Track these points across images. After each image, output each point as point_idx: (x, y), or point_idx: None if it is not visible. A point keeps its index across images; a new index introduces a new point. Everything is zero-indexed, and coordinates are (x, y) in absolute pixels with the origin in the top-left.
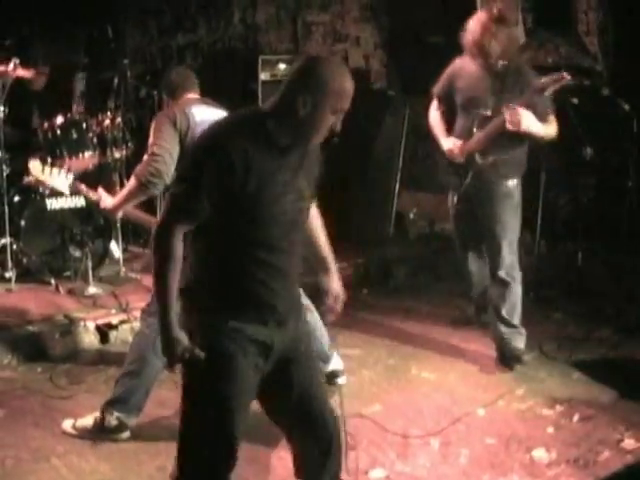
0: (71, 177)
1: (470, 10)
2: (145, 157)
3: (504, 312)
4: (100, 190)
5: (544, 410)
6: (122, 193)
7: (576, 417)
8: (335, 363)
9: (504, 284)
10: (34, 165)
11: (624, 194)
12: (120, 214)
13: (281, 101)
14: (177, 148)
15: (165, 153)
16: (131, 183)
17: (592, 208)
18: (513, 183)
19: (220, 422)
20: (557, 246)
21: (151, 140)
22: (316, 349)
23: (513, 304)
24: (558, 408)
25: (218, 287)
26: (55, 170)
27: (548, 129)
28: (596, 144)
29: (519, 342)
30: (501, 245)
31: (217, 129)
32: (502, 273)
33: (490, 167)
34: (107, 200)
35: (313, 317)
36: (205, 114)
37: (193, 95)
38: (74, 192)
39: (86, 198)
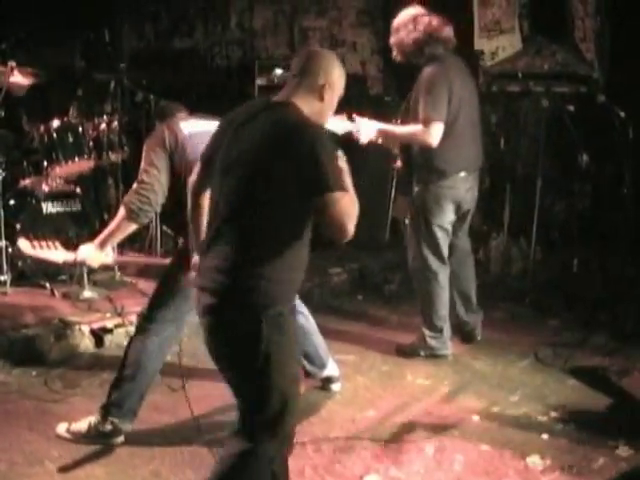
0: (58, 246)
1: (466, 16)
2: (134, 185)
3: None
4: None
5: (539, 417)
6: (110, 226)
7: (571, 424)
8: (330, 369)
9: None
10: (24, 244)
11: (620, 201)
12: (104, 257)
13: (308, 89)
14: (166, 172)
15: (155, 181)
16: (120, 213)
17: (588, 215)
18: (417, 189)
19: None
20: (553, 252)
21: (142, 165)
22: (312, 355)
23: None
24: (553, 414)
25: (289, 281)
26: (44, 243)
27: (408, 130)
28: (592, 151)
29: None
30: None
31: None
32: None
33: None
34: (86, 248)
35: (309, 323)
36: (195, 127)
37: (181, 114)
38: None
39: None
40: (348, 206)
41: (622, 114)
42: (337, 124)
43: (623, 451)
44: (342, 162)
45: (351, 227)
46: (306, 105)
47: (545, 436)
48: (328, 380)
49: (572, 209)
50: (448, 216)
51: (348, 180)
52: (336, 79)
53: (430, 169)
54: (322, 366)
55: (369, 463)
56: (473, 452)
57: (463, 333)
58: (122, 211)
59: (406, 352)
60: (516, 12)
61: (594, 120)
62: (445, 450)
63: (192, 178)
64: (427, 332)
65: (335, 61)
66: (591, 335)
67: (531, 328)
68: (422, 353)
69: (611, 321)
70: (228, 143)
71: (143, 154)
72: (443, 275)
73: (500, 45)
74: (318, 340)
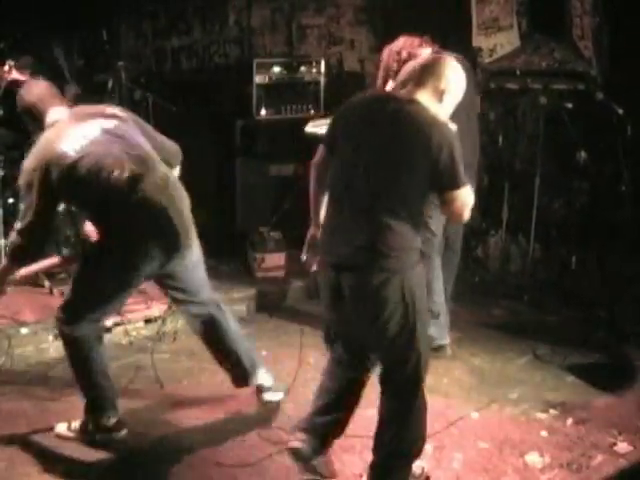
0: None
1: (464, 13)
2: None
3: None
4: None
5: (537, 414)
6: None
7: (570, 421)
8: (262, 378)
9: None
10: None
11: (618, 198)
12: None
13: (431, 91)
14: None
15: None
16: None
17: (586, 212)
18: None
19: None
20: (551, 250)
21: None
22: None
23: None
24: (552, 412)
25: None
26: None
27: None
28: (590, 148)
29: None
30: None
31: None
32: None
33: None
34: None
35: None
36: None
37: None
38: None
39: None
40: (467, 199)
41: (620, 111)
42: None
43: (622, 448)
44: None
45: (467, 215)
46: (427, 105)
47: (544, 433)
48: (260, 389)
49: (570, 207)
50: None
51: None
52: (455, 86)
53: None
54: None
55: (369, 461)
56: (472, 450)
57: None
58: None
59: None
60: (514, 9)
61: (592, 117)
62: (444, 448)
63: (315, 161)
64: None
65: (458, 69)
66: (590, 332)
67: (530, 325)
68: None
69: (609, 318)
70: (358, 132)
71: None
72: (437, 261)
73: (498, 42)
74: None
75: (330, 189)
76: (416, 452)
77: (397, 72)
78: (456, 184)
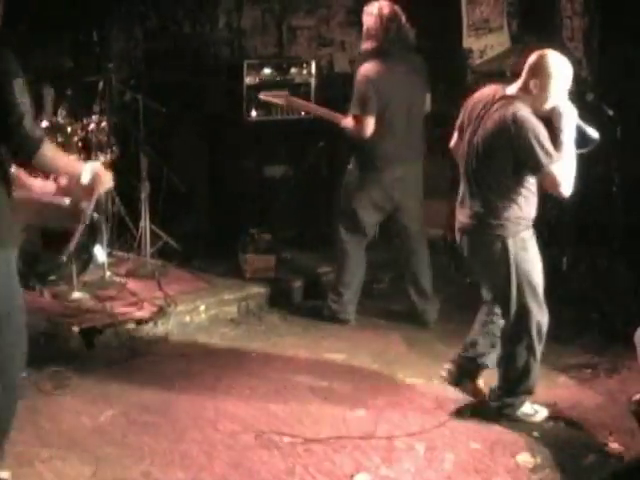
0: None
1: (455, 14)
2: None
3: None
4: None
5: None
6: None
7: (561, 421)
8: None
9: None
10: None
11: (609, 199)
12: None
13: (531, 85)
14: None
15: None
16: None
17: (577, 213)
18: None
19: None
20: (542, 251)
21: None
22: None
23: None
24: None
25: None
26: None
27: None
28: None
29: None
30: None
31: None
32: None
33: None
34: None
35: None
36: None
37: None
38: None
39: None
40: (559, 175)
41: (611, 112)
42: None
43: (613, 449)
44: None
45: (565, 189)
46: (529, 98)
47: (535, 434)
48: None
49: (561, 207)
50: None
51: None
52: (557, 76)
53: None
54: None
55: (360, 462)
56: (463, 450)
57: (417, 318)
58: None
59: (315, 312)
60: (504, 11)
61: (582, 118)
62: (436, 449)
63: (451, 144)
64: (331, 296)
65: (559, 60)
66: (580, 333)
67: None
68: (325, 312)
69: (600, 319)
70: (476, 123)
71: None
72: (354, 248)
73: (488, 43)
74: None
75: (460, 166)
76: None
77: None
78: (537, 167)
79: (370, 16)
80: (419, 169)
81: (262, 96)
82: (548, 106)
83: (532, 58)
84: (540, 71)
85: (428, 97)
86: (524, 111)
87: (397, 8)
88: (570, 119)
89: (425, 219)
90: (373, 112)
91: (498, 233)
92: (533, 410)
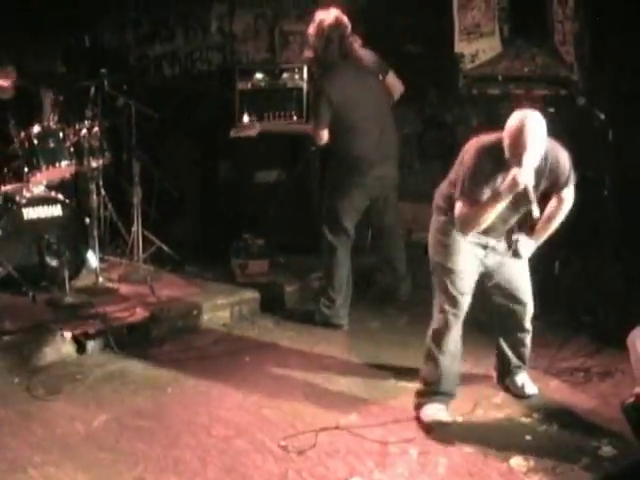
0: None
1: (446, 19)
2: None
3: None
4: None
5: (522, 418)
6: None
7: (554, 425)
8: None
9: None
10: None
11: (600, 203)
12: None
13: None
14: None
15: None
16: None
17: (569, 217)
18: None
19: None
20: (534, 254)
21: None
22: None
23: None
24: (536, 416)
25: None
26: None
27: None
28: (572, 153)
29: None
30: None
31: None
32: None
33: None
34: None
35: None
36: None
37: None
38: None
39: None
40: (457, 210)
41: (602, 116)
42: None
43: (606, 452)
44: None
45: (458, 226)
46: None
47: (528, 437)
48: None
49: None
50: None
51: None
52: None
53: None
54: None
55: (353, 466)
56: (457, 454)
57: (389, 295)
58: None
59: (308, 317)
60: (496, 15)
61: (574, 122)
62: (429, 453)
63: None
64: (322, 300)
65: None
66: (573, 336)
67: None
68: (317, 317)
69: (593, 323)
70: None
71: None
72: (342, 251)
73: (480, 48)
74: None
75: None
76: None
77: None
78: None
79: (312, 25)
80: (396, 164)
81: (232, 133)
82: (514, 165)
83: (511, 122)
84: (515, 141)
85: (391, 77)
86: (484, 144)
87: (342, 19)
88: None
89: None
90: (325, 124)
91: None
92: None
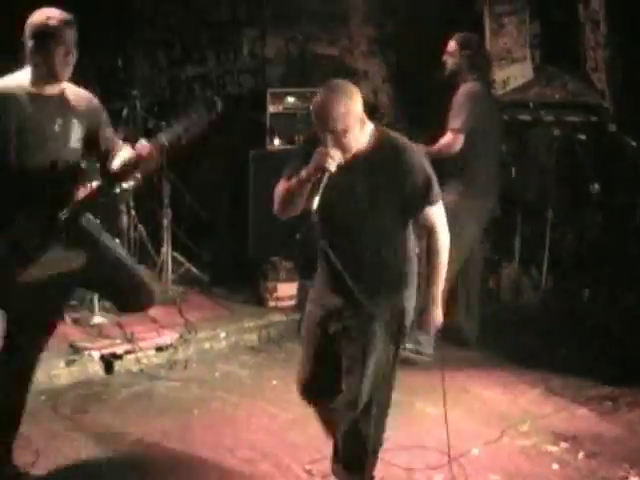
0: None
1: None
2: None
3: None
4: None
5: (548, 446)
6: None
7: (581, 454)
8: None
9: None
10: None
11: (630, 231)
12: None
13: None
14: None
15: None
16: None
17: (598, 244)
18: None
19: None
20: (563, 282)
21: None
22: None
23: None
24: (563, 445)
25: None
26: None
27: None
28: (603, 180)
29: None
30: None
31: None
32: None
33: None
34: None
35: None
36: None
37: None
38: None
39: None
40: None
41: (633, 143)
42: None
43: None
44: None
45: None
46: None
47: (555, 466)
48: None
49: (583, 238)
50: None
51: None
52: None
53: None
54: None
55: None
56: None
57: (459, 338)
58: None
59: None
60: (527, 42)
61: (605, 149)
62: None
63: None
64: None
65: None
66: (601, 364)
67: (541, 357)
68: (409, 346)
69: (621, 351)
70: None
71: None
72: None
73: (511, 74)
74: None
75: None
76: None
77: None
78: None
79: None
80: None
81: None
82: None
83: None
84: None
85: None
86: None
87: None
88: None
89: None
90: (468, 129)
91: None
92: None
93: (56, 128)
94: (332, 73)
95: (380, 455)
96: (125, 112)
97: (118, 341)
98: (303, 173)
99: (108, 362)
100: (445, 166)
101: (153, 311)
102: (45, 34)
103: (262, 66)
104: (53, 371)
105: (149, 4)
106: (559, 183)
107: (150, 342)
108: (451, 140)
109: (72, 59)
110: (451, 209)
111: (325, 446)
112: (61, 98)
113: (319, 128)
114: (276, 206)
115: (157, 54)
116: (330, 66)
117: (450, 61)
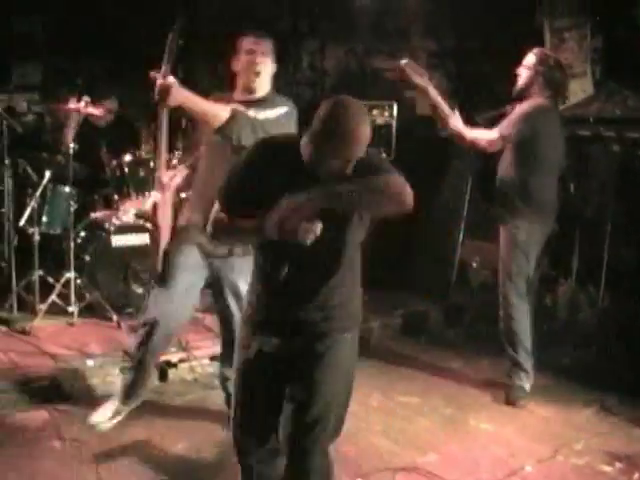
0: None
1: None
2: None
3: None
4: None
5: (603, 466)
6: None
7: (636, 475)
8: None
9: None
10: None
11: None
12: None
13: None
14: None
15: None
16: None
17: (633, 260)
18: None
19: None
20: (621, 300)
21: None
22: None
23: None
24: (617, 465)
25: None
26: None
27: None
28: None
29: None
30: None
31: None
32: None
33: None
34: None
35: None
36: None
37: None
38: None
39: None
40: None
41: None
42: None
43: None
44: None
45: None
46: None
47: None
48: None
49: (599, 249)
50: None
51: None
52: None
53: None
54: None
55: None
56: None
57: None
58: None
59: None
60: (588, 57)
61: None
62: None
63: None
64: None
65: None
66: None
67: (598, 376)
68: (514, 395)
69: None
70: None
71: None
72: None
73: (572, 90)
74: None
75: None
76: None
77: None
78: None
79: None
80: None
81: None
82: None
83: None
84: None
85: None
86: None
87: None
88: None
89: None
90: (511, 139)
91: None
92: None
93: None
94: (391, 86)
95: (434, 471)
96: (184, 122)
97: (173, 349)
98: (273, 234)
99: (163, 370)
100: (508, 197)
101: (208, 320)
102: None
103: (321, 78)
104: (108, 377)
105: (209, 13)
106: (618, 200)
107: (205, 351)
108: (493, 140)
109: None
110: (522, 240)
111: (377, 460)
112: None
113: (329, 149)
114: (213, 231)
115: (217, 65)
116: (389, 79)
117: (525, 74)
